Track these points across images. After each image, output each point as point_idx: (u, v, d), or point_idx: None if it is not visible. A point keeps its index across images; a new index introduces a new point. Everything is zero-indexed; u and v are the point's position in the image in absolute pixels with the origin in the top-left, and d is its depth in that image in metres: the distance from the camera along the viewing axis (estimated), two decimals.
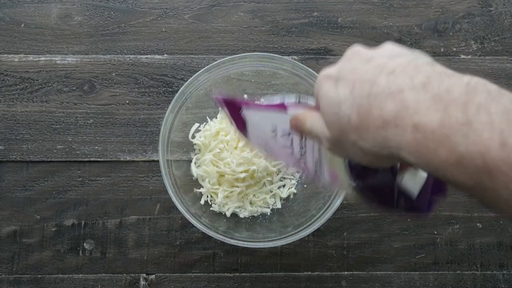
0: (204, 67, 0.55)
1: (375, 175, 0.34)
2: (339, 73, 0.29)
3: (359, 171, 0.34)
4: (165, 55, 0.65)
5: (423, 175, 0.34)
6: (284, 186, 0.60)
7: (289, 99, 0.37)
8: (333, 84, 0.29)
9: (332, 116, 0.29)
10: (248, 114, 0.41)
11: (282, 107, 0.37)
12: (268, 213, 0.59)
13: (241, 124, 0.42)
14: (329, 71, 0.31)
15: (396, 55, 0.28)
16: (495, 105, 0.23)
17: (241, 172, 0.57)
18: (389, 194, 0.34)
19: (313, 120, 0.33)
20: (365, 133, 0.27)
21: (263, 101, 0.40)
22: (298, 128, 0.35)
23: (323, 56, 0.65)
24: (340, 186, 0.44)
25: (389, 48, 0.29)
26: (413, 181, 0.33)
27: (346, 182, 0.36)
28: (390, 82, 0.26)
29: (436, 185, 0.34)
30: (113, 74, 0.64)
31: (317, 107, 0.32)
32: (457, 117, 0.23)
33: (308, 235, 0.53)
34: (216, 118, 0.61)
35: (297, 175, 0.61)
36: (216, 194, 0.58)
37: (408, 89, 0.25)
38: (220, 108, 0.41)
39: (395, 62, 0.27)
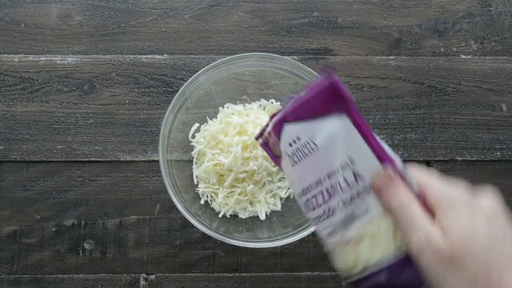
0: (204, 67, 0.55)
1: None
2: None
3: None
4: (165, 55, 0.65)
5: None
6: (284, 186, 0.60)
7: (396, 158, 0.31)
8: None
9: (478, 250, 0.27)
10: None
11: (387, 157, 0.30)
12: (268, 213, 0.59)
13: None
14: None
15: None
16: None
17: (241, 172, 0.57)
18: None
19: (414, 208, 0.29)
20: None
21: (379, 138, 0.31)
22: (383, 192, 0.30)
23: (323, 56, 0.65)
24: (341, 277, 0.35)
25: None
26: None
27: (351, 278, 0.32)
28: None
29: None
30: (113, 74, 0.64)
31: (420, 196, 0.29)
32: None
33: (308, 235, 0.53)
34: (216, 118, 0.61)
35: None
36: (216, 194, 0.58)
37: None
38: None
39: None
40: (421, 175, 0.31)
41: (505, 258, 0.27)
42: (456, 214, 0.28)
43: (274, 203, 0.60)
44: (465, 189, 0.30)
